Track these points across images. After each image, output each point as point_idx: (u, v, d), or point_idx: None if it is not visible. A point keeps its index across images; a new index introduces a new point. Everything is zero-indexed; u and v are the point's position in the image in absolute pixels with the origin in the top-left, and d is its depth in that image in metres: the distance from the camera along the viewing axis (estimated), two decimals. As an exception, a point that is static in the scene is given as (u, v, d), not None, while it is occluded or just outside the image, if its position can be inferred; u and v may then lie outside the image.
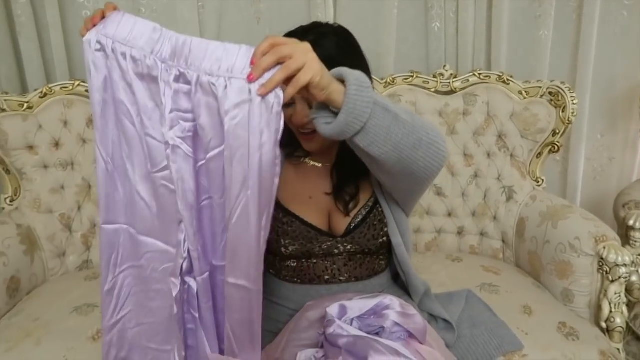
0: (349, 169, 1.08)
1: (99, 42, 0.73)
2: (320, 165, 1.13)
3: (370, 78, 1.02)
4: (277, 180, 0.75)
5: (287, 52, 0.70)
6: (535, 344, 1.14)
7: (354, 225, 1.07)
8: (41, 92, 1.52)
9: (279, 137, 0.72)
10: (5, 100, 1.46)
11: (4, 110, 1.46)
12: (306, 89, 0.74)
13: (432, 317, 1.14)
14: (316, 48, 0.92)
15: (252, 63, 0.70)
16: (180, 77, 0.72)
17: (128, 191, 0.80)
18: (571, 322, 1.21)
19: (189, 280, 0.81)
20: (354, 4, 1.71)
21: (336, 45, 1.00)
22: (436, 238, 1.65)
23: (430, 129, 0.87)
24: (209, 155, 0.74)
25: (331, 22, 1.63)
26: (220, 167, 0.74)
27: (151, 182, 0.78)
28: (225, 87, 0.69)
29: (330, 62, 0.86)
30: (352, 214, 1.07)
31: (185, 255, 0.80)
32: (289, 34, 1.04)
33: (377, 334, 0.93)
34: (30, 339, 1.16)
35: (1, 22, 1.61)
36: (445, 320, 1.14)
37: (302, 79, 0.71)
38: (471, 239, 1.63)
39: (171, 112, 0.73)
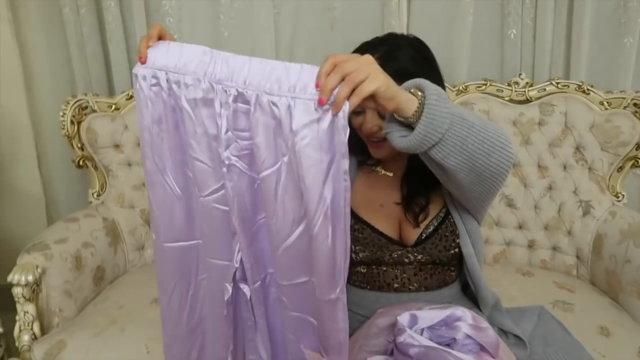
0: (420, 179, 1.08)
1: (154, 77, 0.74)
2: (391, 174, 1.14)
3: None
4: (348, 195, 0.75)
5: (350, 68, 0.70)
6: (613, 368, 1.10)
7: (425, 235, 1.07)
8: (127, 94, 1.62)
9: (346, 149, 0.72)
10: (96, 102, 1.57)
11: (94, 111, 1.57)
12: (373, 100, 0.74)
13: (502, 332, 1.12)
14: (391, 59, 0.92)
15: (317, 86, 0.70)
16: (239, 97, 0.73)
17: (196, 210, 0.83)
18: (653, 347, 1.16)
19: (243, 287, 0.86)
20: (428, 9, 1.70)
21: (411, 58, 1.00)
22: (505, 250, 1.62)
23: (500, 132, 0.86)
24: (261, 175, 0.75)
25: (405, 27, 1.66)
26: (272, 187, 0.75)
27: (201, 206, 0.81)
28: (289, 106, 0.70)
29: (404, 74, 0.87)
30: (424, 225, 1.08)
31: (238, 265, 0.83)
32: (364, 45, 1.05)
33: (448, 345, 0.93)
34: (115, 326, 1.24)
35: (94, 30, 1.74)
36: (516, 336, 1.11)
37: (366, 89, 0.70)
38: (542, 253, 1.58)
39: (227, 132, 0.74)
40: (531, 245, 1.59)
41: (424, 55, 1.06)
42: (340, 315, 0.81)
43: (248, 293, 0.86)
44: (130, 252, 1.59)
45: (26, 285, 1.21)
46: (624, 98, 1.48)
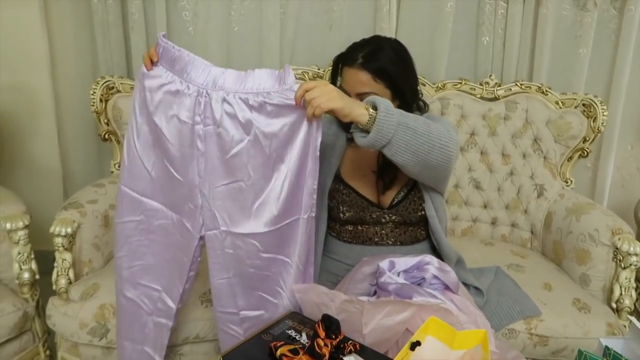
0: None
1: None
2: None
3: (417, 89, 1.29)
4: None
5: (315, 94, 0.97)
6: (551, 312, 1.36)
7: (397, 200, 1.31)
8: (148, 78, 1.82)
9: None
10: (121, 83, 1.77)
11: (119, 91, 1.77)
12: (334, 113, 1.02)
13: (465, 285, 1.37)
14: (372, 60, 1.20)
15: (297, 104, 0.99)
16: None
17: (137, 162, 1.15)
18: (585, 299, 1.42)
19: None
20: (414, 16, 1.94)
21: (389, 59, 1.24)
22: (472, 226, 1.87)
23: (442, 136, 1.10)
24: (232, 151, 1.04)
25: (393, 31, 1.90)
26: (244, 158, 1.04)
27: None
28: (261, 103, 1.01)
29: (383, 73, 1.17)
30: (395, 191, 1.32)
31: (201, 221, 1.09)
32: (353, 45, 1.29)
33: (419, 284, 1.18)
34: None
35: (118, 19, 1.92)
36: (476, 288, 1.37)
37: (323, 107, 0.98)
38: (503, 228, 1.84)
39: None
40: (494, 222, 1.85)
41: (402, 56, 1.29)
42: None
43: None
44: (146, 217, 1.79)
45: (65, 236, 1.41)
46: (575, 99, 1.76)
